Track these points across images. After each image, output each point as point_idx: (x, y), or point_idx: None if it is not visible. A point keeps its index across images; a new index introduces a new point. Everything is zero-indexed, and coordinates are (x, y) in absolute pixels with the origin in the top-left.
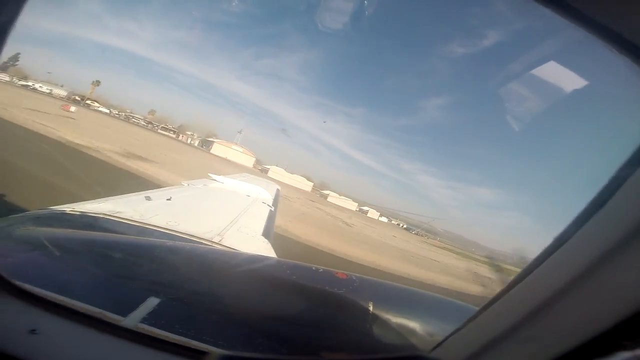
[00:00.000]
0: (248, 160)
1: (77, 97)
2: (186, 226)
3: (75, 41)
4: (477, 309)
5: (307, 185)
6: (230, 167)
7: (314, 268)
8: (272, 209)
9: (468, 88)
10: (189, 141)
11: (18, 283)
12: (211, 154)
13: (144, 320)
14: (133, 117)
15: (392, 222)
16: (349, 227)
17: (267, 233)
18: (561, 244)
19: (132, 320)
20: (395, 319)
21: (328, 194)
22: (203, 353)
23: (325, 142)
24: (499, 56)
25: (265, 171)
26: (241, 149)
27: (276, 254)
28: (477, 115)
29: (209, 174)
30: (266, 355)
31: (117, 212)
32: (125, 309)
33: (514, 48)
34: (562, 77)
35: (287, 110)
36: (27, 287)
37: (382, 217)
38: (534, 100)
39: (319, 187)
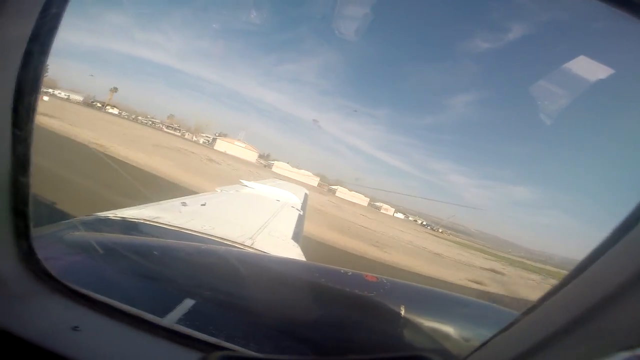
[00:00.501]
0: (251, 156)
1: (96, 103)
2: (220, 230)
3: (104, 53)
4: (516, 312)
5: (314, 180)
6: (220, 156)
7: (343, 271)
8: (301, 212)
9: (496, 83)
10: (193, 139)
11: (65, 282)
12: (215, 149)
13: (180, 321)
14: (151, 120)
15: (410, 218)
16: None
17: (296, 236)
18: (615, 242)
19: (169, 321)
20: (429, 323)
21: (336, 189)
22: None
23: (349, 144)
24: (527, 49)
25: (270, 166)
26: (244, 145)
27: (305, 257)
28: (508, 111)
29: (240, 180)
30: (266, 356)
31: (156, 218)
32: (162, 310)
33: (542, 40)
34: (597, 68)
35: (310, 114)
36: (73, 286)
37: (398, 214)
38: (568, 93)
39: (328, 183)
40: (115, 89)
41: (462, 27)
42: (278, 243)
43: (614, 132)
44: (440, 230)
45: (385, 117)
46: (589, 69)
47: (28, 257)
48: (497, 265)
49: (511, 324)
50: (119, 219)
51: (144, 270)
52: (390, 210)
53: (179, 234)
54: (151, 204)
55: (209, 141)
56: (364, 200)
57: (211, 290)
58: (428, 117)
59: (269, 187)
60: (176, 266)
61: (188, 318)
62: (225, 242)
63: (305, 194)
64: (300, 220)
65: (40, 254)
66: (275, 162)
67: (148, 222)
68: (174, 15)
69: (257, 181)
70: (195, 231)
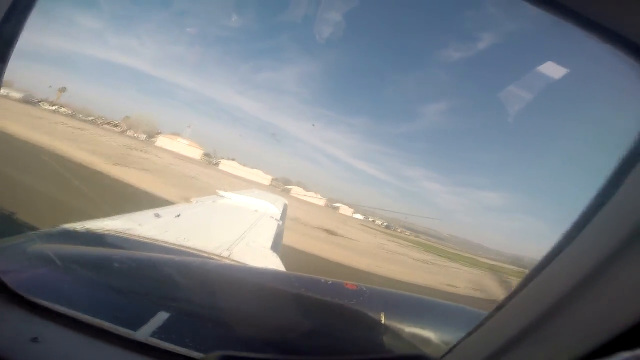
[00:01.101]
0: (194, 152)
1: (43, 102)
2: (195, 242)
3: (71, 55)
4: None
5: (265, 179)
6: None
7: (323, 280)
8: (280, 223)
9: (467, 92)
10: (134, 135)
11: (23, 293)
12: (155, 146)
13: (154, 334)
14: (92, 117)
15: (369, 219)
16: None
17: (275, 247)
18: (568, 243)
19: (143, 334)
20: (408, 328)
21: (291, 189)
22: None
23: (327, 152)
24: (495, 59)
25: (216, 164)
26: (187, 142)
27: (285, 267)
28: (478, 119)
29: (217, 191)
30: (266, 356)
31: (128, 229)
32: (135, 323)
33: (510, 50)
34: (560, 76)
35: (289, 123)
36: (33, 297)
37: (357, 214)
38: (534, 101)
39: (283, 182)
40: (63, 89)
41: (435, 38)
42: (256, 254)
43: (579, 136)
44: (398, 230)
45: (362, 126)
46: (548, 79)
47: None
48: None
49: (478, 326)
50: (87, 231)
51: (115, 284)
52: (349, 211)
53: (152, 246)
54: (122, 215)
55: (139, 135)
56: (320, 200)
57: (186, 302)
58: (403, 126)
59: (247, 197)
60: (149, 279)
61: (162, 331)
62: (200, 253)
63: (285, 203)
64: (280, 230)
65: (1, 266)
66: (222, 160)
67: (118, 234)
68: (148, 20)
69: (235, 191)
70: (169, 243)
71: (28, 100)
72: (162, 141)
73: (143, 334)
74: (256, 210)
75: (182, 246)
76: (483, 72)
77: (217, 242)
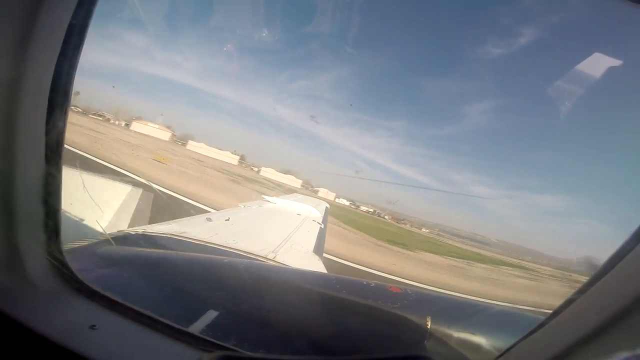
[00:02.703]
0: (164, 135)
1: None
2: (243, 244)
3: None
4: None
5: (233, 159)
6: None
7: (365, 283)
8: (322, 226)
9: (511, 89)
10: (116, 122)
11: (87, 282)
12: (130, 129)
13: (203, 331)
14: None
15: (355, 204)
16: None
17: (317, 250)
18: (638, 243)
19: (192, 331)
20: (457, 334)
21: (260, 169)
22: None
23: (366, 158)
24: (541, 52)
25: (184, 144)
26: (157, 126)
27: (327, 269)
28: (526, 117)
29: (262, 196)
30: (266, 355)
31: (182, 233)
32: (186, 320)
33: (557, 42)
34: (616, 67)
35: (325, 130)
36: (96, 287)
37: (341, 199)
38: (588, 94)
39: (251, 163)
40: (77, 93)
41: (473, 35)
42: (300, 256)
43: None
44: (385, 217)
45: (401, 129)
46: (606, 68)
47: (57, 258)
48: None
49: (535, 329)
50: (146, 234)
51: (169, 282)
52: (331, 195)
53: (203, 247)
54: (177, 220)
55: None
56: (296, 182)
57: (233, 302)
58: (445, 128)
59: (291, 202)
60: (200, 279)
61: (210, 329)
62: (248, 255)
63: (326, 207)
64: (322, 233)
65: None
66: (190, 141)
67: (175, 237)
68: (188, 36)
69: (278, 196)
70: (219, 245)
71: None
72: (135, 126)
73: (192, 331)
74: (299, 214)
75: (231, 248)
76: (529, 67)
77: (263, 245)
